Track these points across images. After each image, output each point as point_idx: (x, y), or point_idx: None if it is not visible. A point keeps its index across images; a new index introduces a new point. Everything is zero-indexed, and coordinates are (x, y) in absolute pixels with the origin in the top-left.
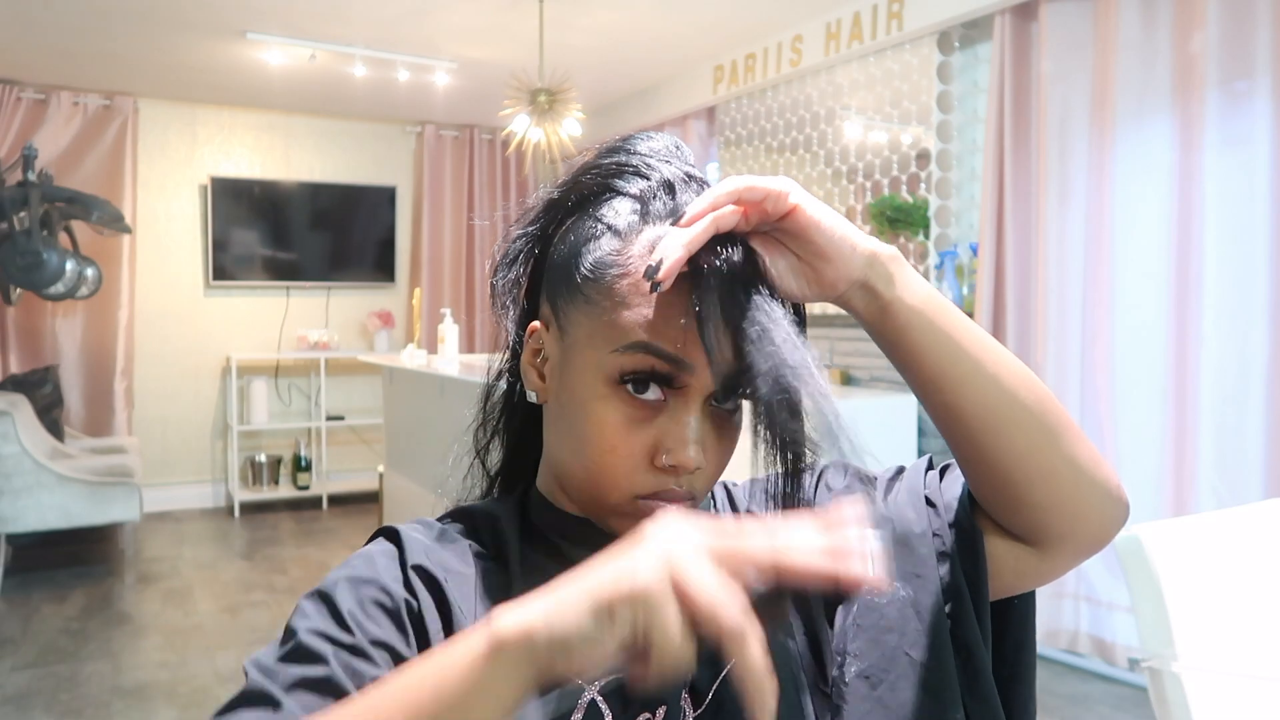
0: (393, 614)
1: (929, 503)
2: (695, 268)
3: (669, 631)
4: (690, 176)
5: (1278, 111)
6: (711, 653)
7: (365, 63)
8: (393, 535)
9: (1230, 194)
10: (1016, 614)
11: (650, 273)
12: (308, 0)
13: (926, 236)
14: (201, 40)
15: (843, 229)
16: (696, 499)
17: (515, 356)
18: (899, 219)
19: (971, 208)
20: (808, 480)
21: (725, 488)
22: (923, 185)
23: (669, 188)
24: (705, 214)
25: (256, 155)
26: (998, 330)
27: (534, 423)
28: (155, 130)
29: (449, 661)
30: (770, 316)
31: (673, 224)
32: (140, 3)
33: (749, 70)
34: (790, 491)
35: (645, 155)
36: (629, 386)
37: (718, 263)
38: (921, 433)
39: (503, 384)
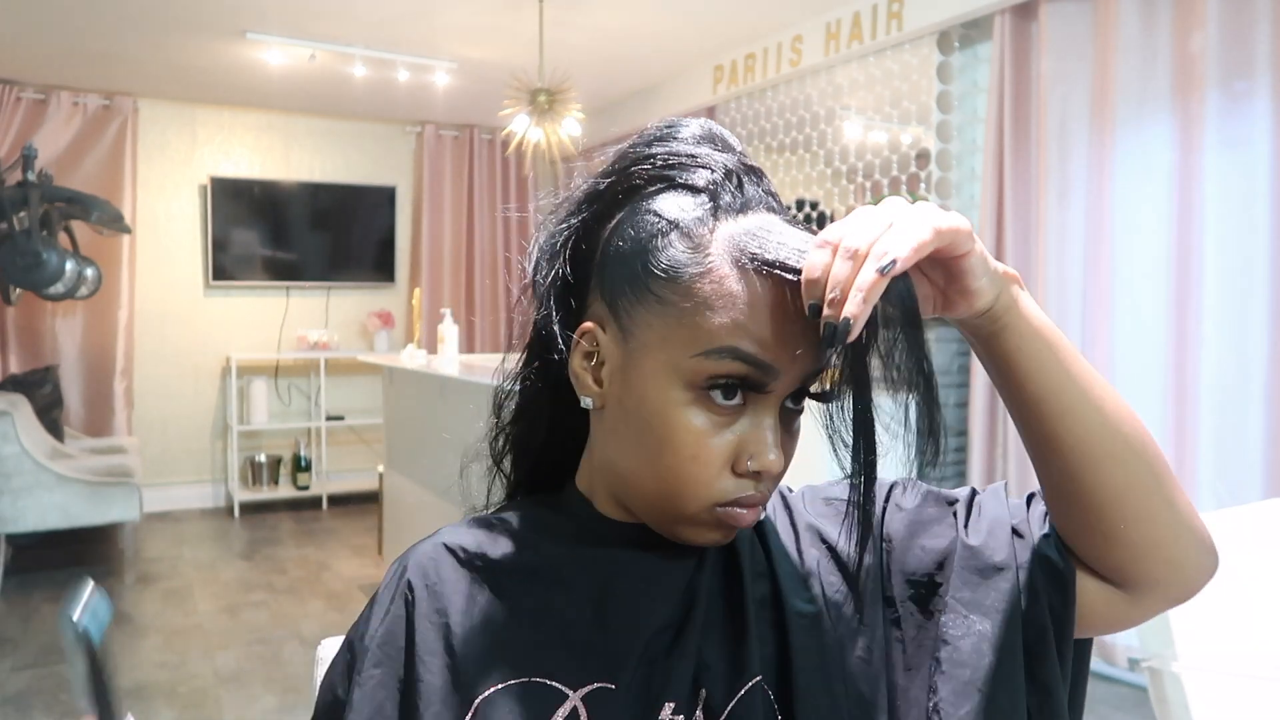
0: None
1: (1016, 533)
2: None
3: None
4: (749, 167)
5: (1278, 112)
6: (728, 670)
7: (365, 63)
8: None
9: (1230, 194)
10: (1080, 651)
11: (838, 330)
12: (308, 0)
13: None
14: (201, 40)
15: (986, 260)
16: (767, 501)
17: (536, 359)
18: None
19: (971, 208)
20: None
21: (780, 494)
22: (923, 185)
23: (737, 181)
24: (894, 260)
25: (256, 155)
26: None
27: (560, 430)
28: (155, 130)
29: None
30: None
31: (847, 254)
32: (140, 3)
33: (749, 70)
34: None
35: (696, 144)
36: (713, 392)
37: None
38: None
39: (518, 389)
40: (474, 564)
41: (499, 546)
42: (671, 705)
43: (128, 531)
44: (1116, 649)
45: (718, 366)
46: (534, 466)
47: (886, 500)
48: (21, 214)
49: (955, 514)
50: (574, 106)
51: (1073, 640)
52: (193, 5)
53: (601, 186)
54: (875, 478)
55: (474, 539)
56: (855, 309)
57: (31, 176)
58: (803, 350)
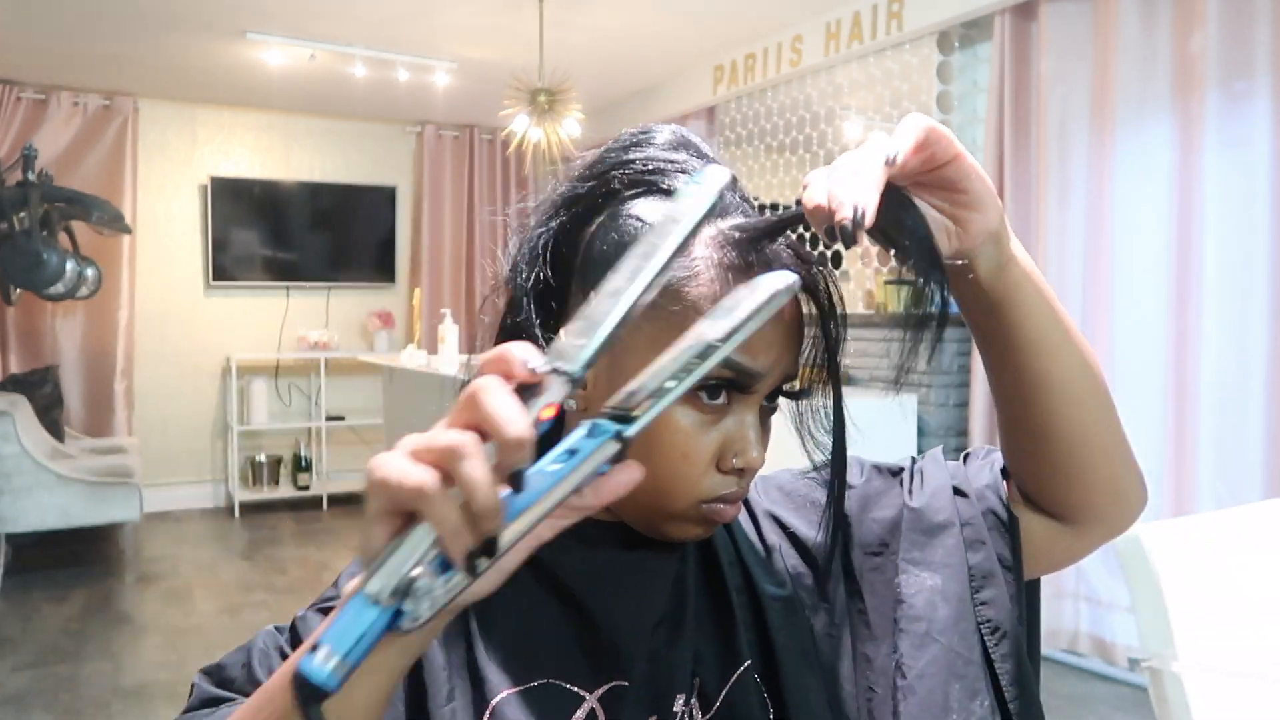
0: None
1: (958, 492)
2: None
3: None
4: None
5: (1278, 112)
6: (720, 658)
7: (365, 63)
8: None
9: (1230, 194)
10: (1030, 593)
11: (853, 224)
12: (308, 0)
13: None
14: (201, 40)
15: (975, 163)
16: (745, 495)
17: None
18: None
19: None
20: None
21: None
22: None
23: None
24: (896, 151)
25: (256, 155)
26: None
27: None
28: (155, 130)
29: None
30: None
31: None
32: (140, 3)
33: (749, 70)
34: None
35: (672, 149)
36: (699, 393)
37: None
38: (921, 433)
39: None
40: None
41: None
42: (682, 698)
43: (128, 531)
44: (1116, 649)
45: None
46: None
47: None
48: (21, 214)
49: (900, 483)
50: (574, 106)
51: (1023, 581)
52: (193, 5)
53: (581, 190)
54: (845, 470)
55: None
56: (862, 195)
57: (31, 176)
58: (786, 353)
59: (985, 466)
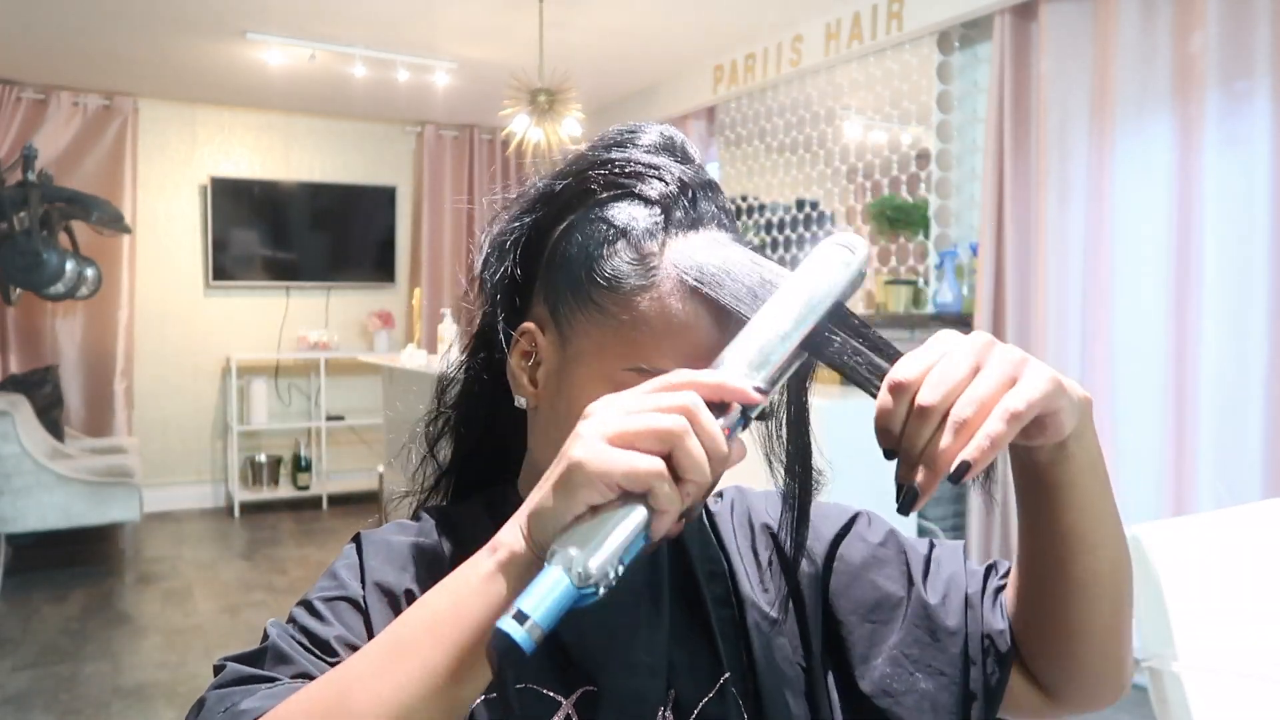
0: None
1: (968, 603)
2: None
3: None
4: (706, 181)
5: (1278, 111)
6: (697, 670)
7: (365, 63)
8: (359, 545)
9: (1230, 194)
10: None
11: (960, 472)
12: (308, 0)
13: (926, 236)
14: (201, 40)
15: (1071, 393)
16: (691, 516)
17: (480, 352)
18: (899, 219)
19: (971, 208)
20: (829, 511)
21: (740, 489)
22: (923, 185)
23: (689, 194)
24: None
25: (256, 155)
26: (998, 330)
27: (500, 423)
28: (155, 130)
29: (463, 587)
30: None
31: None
32: (140, 3)
33: (749, 70)
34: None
35: (656, 153)
36: None
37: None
38: None
39: (460, 378)
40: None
41: (458, 554)
42: (661, 709)
43: (128, 531)
44: None
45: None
46: (467, 456)
47: (850, 526)
48: (21, 214)
49: (910, 562)
50: (574, 106)
51: (995, 714)
52: (193, 5)
53: (557, 188)
54: (810, 495)
55: (435, 544)
56: (977, 453)
57: (31, 176)
58: None
59: (1001, 602)
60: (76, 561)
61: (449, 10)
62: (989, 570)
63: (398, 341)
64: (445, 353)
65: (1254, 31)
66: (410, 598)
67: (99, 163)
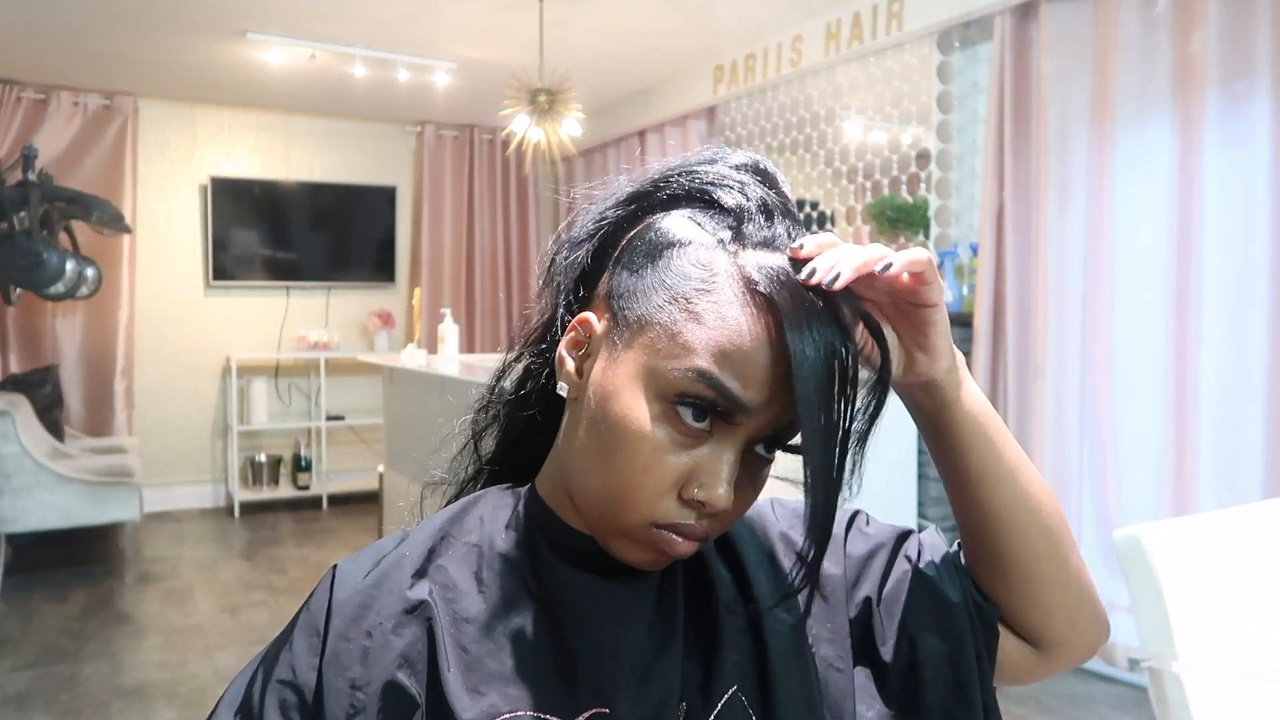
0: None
1: (960, 571)
2: (800, 311)
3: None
4: (788, 210)
5: (1278, 111)
6: (706, 682)
7: (365, 63)
8: (327, 603)
9: (1230, 194)
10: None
11: (825, 283)
12: (308, 0)
13: (926, 236)
14: (201, 40)
15: (948, 322)
16: (708, 539)
17: (542, 342)
18: (899, 219)
19: (971, 208)
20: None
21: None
22: (923, 185)
23: (767, 213)
24: (882, 261)
25: (256, 155)
26: (998, 330)
27: (545, 415)
28: (155, 130)
29: None
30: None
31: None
32: (140, 3)
33: (749, 70)
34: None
35: (741, 173)
36: (682, 409)
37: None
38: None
39: (519, 367)
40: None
41: (460, 567)
42: None
43: (128, 531)
44: (1116, 649)
45: (690, 385)
46: (512, 444)
47: (850, 525)
48: (22, 214)
49: (907, 545)
50: (574, 106)
51: (991, 678)
52: (193, 5)
53: (646, 188)
54: (831, 528)
55: (435, 556)
56: (844, 266)
57: (32, 176)
58: (780, 397)
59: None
60: (76, 561)
61: (449, 10)
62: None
63: (398, 341)
64: (506, 344)
65: (1254, 31)
66: (355, 686)
67: (99, 162)
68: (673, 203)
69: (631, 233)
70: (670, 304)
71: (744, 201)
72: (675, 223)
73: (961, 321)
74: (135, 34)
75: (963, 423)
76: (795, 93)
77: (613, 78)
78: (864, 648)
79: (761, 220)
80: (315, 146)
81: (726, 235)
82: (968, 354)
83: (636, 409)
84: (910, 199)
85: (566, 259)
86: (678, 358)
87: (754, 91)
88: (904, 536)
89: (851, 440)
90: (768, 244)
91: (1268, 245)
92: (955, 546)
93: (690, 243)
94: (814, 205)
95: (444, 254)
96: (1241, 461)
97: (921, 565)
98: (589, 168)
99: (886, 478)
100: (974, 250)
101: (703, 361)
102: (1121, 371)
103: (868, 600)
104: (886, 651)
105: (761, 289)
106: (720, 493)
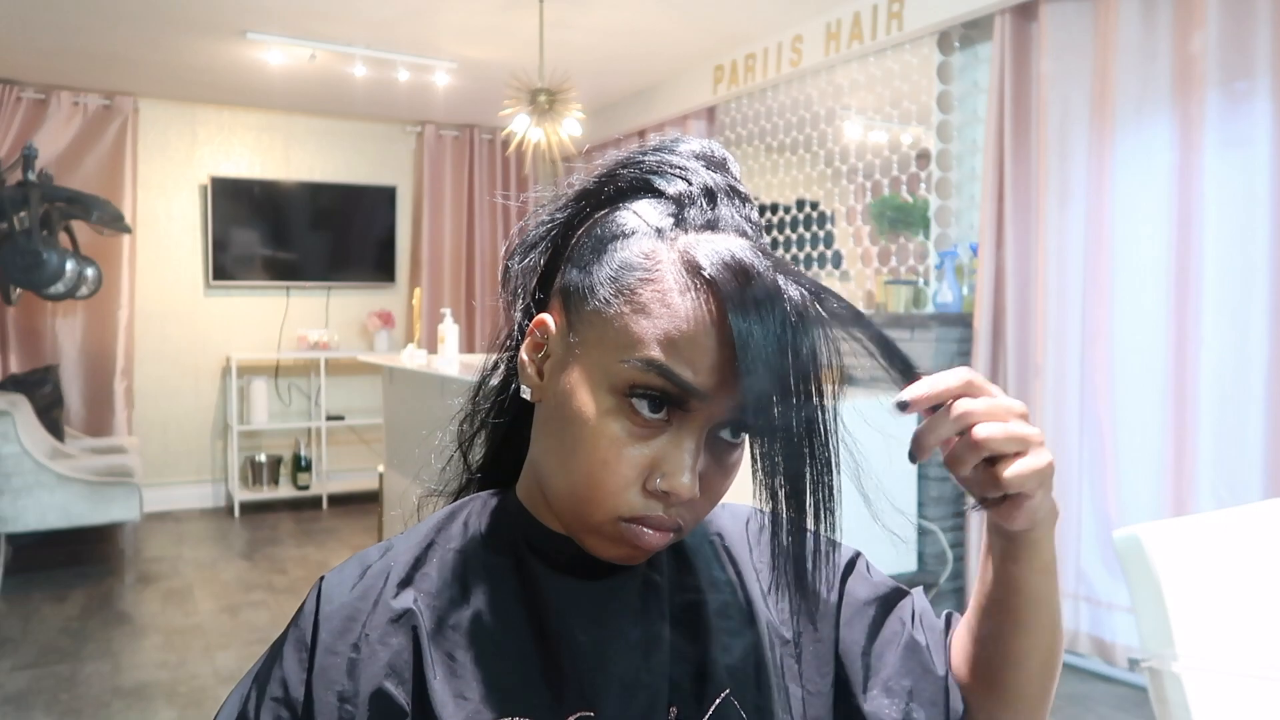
0: None
1: (946, 646)
2: (742, 296)
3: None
4: (734, 190)
5: (1278, 111)
6: (698, 686)
7: (365, 63)
8: (315, 617)
9: (1230, 194)
10: None
11: (901, 406)
12: (308, 0)
13: (926, 236)
14: (201, 40)
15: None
16: (683, 530)
17: (516, 348)
18: (899, 219)
19: (971, 208)
20: (825, 550)
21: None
22: (923, 185)
23: (710, 196)
24: (948, 394)
25: (256, 155)
26: (998, 330)
27: (525, 421)
28: (155, 130)
29: None
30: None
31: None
32: (140, 3)
33: (749, 70)
34: (794, 544)
35: (688, 158)
36: (637, 402)
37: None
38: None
39: (498, 375)
40: (428, 596)
41: (445, 575)
42: None
43: (128, 531)
44: (1116, 649)
45: (640, 376)
46: (497, 451)
47: (852, 566)
48: (22, 214)
49: (902, 605)
50: (574, 106)
51: None
52: (193, 5)
53: (591, 186)
54: (804, 520)
55: (420, 565)
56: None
57: (32, 176)
58: (734, 380)
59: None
60: (76, 561)
61: (449, 10)
62: (948, 622)
63: (398, 341)
64: (487, 356)
65: (1254, 31)
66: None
67: (99, 162)
68: (619, 196)
69: (580, 231)
70: (616, 297)
71: (686, 187)
72: (619, 216)
73: (961, 321)
74: (135, 34)
75: (1031, 575)
76: (795, 93)
77: (613, 78)
78: (839, 686)
79: (704, 204)
80: (315, 146)
81: (668, 223)
82: (967, 354)
83: (592, 405)
84: (910, 199)
85: (520, 264)
86: (627, 350)
87: (754, 91)
88: (900, 594)
89: (820, 424)
90: (710, 226)
91: (1268, 245)
92: (943, 620)
93: (633, 233)
94: (814, 205)
95: (444, 254)
96: (1241, 461)
97: (914, 632)
98: (588, 167)
99: (886, 478)
100: (974, 250)
101: (651, 351)
102: (1121, 371)
103: (856, 644)
104: (862, 699)
105: (705, 272)
106: (683, 481)
